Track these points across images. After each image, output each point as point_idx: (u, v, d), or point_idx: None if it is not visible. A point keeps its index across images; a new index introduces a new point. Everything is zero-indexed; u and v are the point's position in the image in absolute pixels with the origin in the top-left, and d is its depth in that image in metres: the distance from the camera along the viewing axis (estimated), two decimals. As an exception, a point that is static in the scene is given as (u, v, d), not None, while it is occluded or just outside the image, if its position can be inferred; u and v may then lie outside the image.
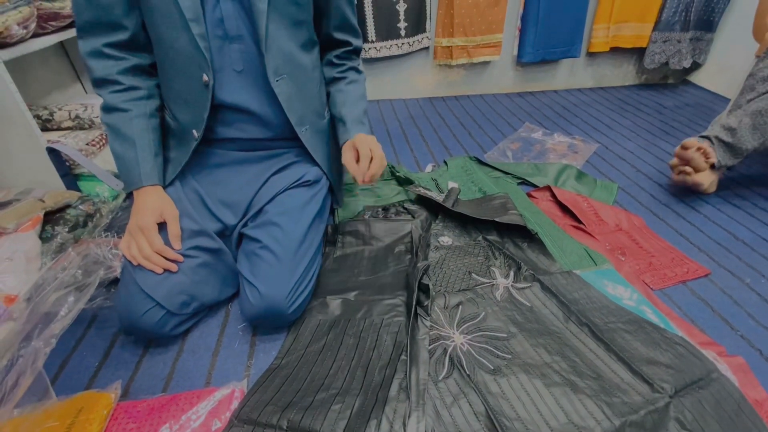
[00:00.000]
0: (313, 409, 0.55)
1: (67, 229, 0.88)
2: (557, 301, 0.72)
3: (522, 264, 0.79)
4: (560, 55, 1.75)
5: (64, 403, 0.58)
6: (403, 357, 0.63)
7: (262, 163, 0.80)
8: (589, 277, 0.79)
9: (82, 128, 1.13)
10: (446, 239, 0.91)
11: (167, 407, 0.58)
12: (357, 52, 0.87)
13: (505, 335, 0.67)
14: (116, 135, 0.69)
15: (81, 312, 0.69)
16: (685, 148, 0.99)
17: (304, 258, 0.72)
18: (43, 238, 0.86)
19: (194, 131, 0.72)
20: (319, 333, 0.69)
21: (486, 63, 1.79)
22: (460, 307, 0.72)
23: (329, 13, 0.78)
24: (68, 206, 0.93)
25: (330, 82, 0.86)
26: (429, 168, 1.25)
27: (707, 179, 1.02)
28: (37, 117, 1.09)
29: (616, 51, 1.81)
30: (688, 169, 1.01)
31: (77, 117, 1.11)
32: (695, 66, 1.86)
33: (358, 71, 0.88)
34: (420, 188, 1.03)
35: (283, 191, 0.78)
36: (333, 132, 0.88)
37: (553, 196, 1.06)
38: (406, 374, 0.59)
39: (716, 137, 1.00)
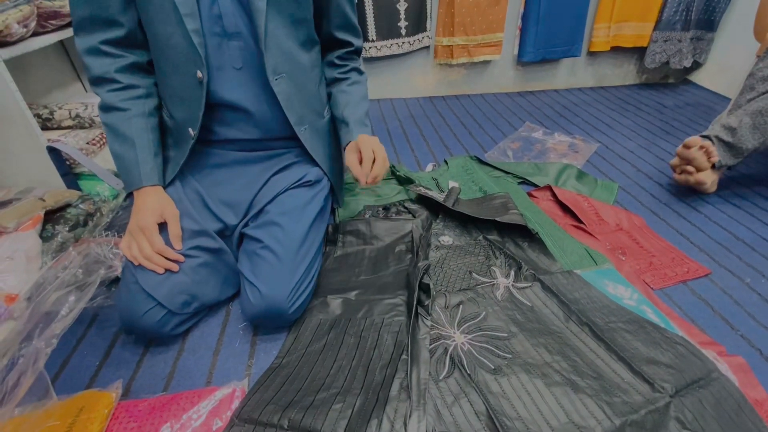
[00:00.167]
0: (314, 408, 0.55)
1: (67, 228, 0.88)
2: (558, 300, 0.72)
3: (522, 263, 0.79)
4: (561, 54, 1.74)
5: (65, 403, 0.58)
6: (403, 356, 0.63)
7: (262, 163, 0.80)
8: (590, 276, 0.79)
9: (82, 127, 1.13)
10: (447, 239, 0.91)
11: (168, 406, 0.58)
12: (358, 52, 0.87)
13: (506, 335, 0.67)
14: (115, 135, 0.69)
15: (82, 311, 0.69)
16: (687, 146, 0.99)
17: (305, 258, 0.72)
18: (44, 237, 0.86)
19: (190, 129, 0.71)
20: (320, 332, 0.69)
21: (486, 62, 1.79)
22: (461, 306, 0.72)
23: (330, 12, 0.78)
24: (69, 205, 0.93)
25: (332, 82, 0.86)
26: (429, 167, 1.25)
27: (709, 179, 1.02)
28: (38, 116, 1.09)
29: (616, 50, 1.81)
30: (690, 168, 1.01)
31: (77, 116, 1.11)
32: (696, 65, 1.86)
33: (359, 72, 0.88)
34: (420, 187, 1.03)
35: (284, 191, 0.78)
36: (333, 132, 0.88)
37: (554, 195, 1.06)
38: (407, 374, 0.60)
39: (716, 137, 1.00)
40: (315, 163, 0.83)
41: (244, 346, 0.70)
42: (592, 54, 1.82)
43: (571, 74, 1.88)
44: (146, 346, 0.70)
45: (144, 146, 0.69)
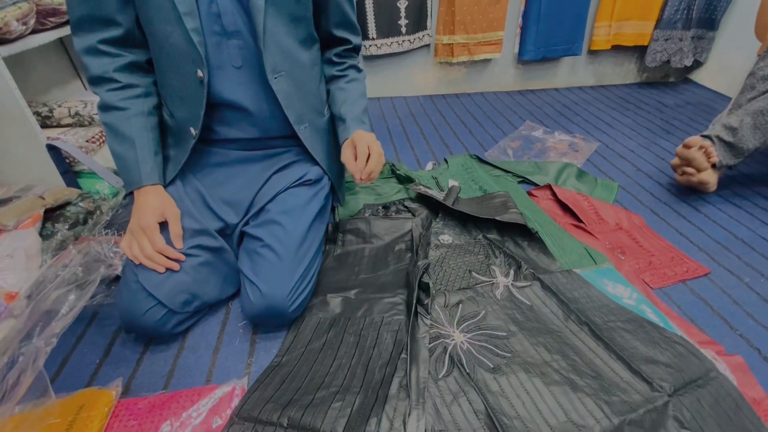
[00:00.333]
0: (314, 407, 0.55)
1: (67, 227, 0.88)
2: (557, 299, 0.72)
3: (522, 263, 0.80)
4: (561, 53, 1.74)
5: (66, 401, 0.58)
6: (403, 355, 0.63)
7: (263, 162, 0.80)
8: (589, 275, 0.79)
9: (81, 125, 1.13)
10: (446, 237, 0.91)
11: (168, 404, 0.58)
12: (357, 49, 0.87)
13: (505, 334, 0.67)
14: (115, 134, 0.69)
15: (82, 309, 0.69)
16: (687, 146, 0.99)
17: (305, 257, 0.72)
18: (44, 235, 0.86)
19: (192, 129, 0.71)
20: (320, 331, 0.69)
21: (487, 60, 1.78)
22: (460, 305, 0.73)
23: (328, 9, 0.78)
24: (68, 203, 0.93)
25: (330, 80, 0.86)
26: (429, 166, 1.25)
27: (711, 178, 1.02)
28: (37, 114, 1.08)
29: (617, 49, 1.80)
30: (689, 169, 1.01)
31: (77, 114, 1.11)
32: (697, 64, 1.86)
33: (358, 69, 0.87)
34: (420, 186, 1.03)
35: (285, 190, 0.78)
36: (333, 130, 0.88)
37: (554, 194, 1.06)
38: (406, 372, 0.60)
39: (717, 137, 1.00)
40: (315, 162, 0.83)
41: (244, 344, 0.70)
42: (592, 53, 1.81)
43: (571, 73, 1.88)
44: (146, 345, 0.70)
45: (144, 145, 0.69)
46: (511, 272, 0.80)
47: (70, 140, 1.05)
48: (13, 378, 0.57)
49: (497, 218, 0.89)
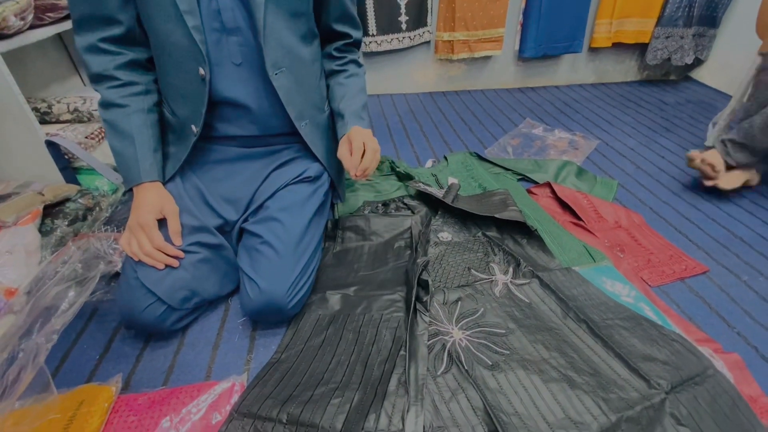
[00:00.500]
0: (313, 403, 0.55)
1: (66, 223, 0.88)
2: (556, 297, 0.72)
3: (521, 260, 0.80)
4: (562, 50, 1.74)
5: (66, 396, 0.58)
6: (402, 352, 0.63)
7: (263, 159, 0.80)
8: (588, 273, 0.80)
9: (80, 121, 1.12)
10: (446, 235, 0.91)
11: (168, 400, 0.58)
12: (357, 44, 0.86)
13: (504, 331, 0.67)
14: (114, 131, 0.69)
15: (81, 305, 0.69)
16: (690, 160, 1.03)
17: (304, 253, 0.72)
18: (43, 231, 0.86)
19: (193, 126, 0.71)
20: (319, 328, 0.70)
21: (487, 58, 1.78)
22: (459, 302, 0.73)
23: (329, 3, 0.77)
24: (67, 200, 0.93)
25: (329, 74, 0.85)
26: (429, 163, 1.25)
27: (735, 179, 1.04)
28: (36, 110, 1.08)
29: (618, 46, 1.80)
30: (709, 182, 1.04)
31: (76, 110, 1.10)
32: (697, 62, 1.85)
33: (358, 64, 0.87)
34: (420, 184, 1.03)
35: (284, 187, 0.78)
36: (333, 126, 0.88)
37: (553, 192, 1.06)
38: (405, 369, 0.60)
39: (730, 140, 1.02)
40: (315, 159, 0.83)
41: (244, 340, 0.70)
42: (593, 50, 1.81)
43: (572, 70, 1.88)
44: (146, 341, 0.70)
45: (143, 142, 0.69)
46: (510, 270, 0.80)
47: (69, 136, 1.04)
48: (13, 374, 0.58)
49: (496, 216, 0.89)
